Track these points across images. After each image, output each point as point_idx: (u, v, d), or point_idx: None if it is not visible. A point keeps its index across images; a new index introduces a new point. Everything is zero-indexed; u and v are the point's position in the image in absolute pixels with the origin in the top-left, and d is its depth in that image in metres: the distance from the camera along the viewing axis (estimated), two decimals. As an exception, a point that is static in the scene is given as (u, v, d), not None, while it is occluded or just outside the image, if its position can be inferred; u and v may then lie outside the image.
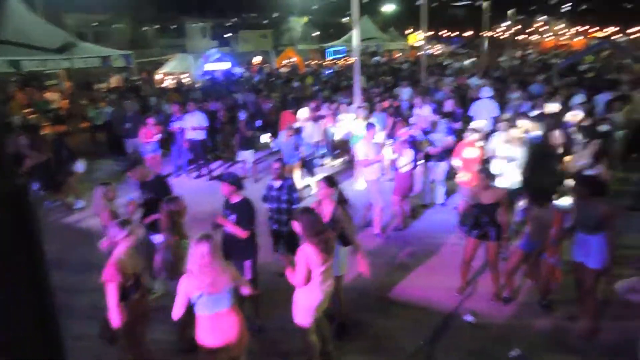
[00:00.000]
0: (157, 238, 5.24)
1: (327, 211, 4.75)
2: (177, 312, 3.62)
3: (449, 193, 8.53)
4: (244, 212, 4.89)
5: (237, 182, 4.99)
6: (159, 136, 10.32)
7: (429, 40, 33.70)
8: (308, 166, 9.14)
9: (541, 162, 8.67)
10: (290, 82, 20.05)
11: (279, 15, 46.49)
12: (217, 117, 12.43)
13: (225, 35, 50.48)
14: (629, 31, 59.62)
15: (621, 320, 4.90)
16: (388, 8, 40.78)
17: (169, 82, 23.32)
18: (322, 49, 35.15)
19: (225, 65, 27.20)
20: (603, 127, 8.10)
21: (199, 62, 27.44)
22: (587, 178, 5.00)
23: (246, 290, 3.83)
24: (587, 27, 60.78)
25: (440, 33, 58.76)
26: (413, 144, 7.60)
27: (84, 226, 8.17)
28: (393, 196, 7.49)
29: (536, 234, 5.05)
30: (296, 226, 4.03)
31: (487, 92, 11.14)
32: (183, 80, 23.05)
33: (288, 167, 7.91)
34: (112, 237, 4.05)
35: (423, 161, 8.19)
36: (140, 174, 5.80)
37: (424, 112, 10.18)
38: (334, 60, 30.00)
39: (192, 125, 10.43)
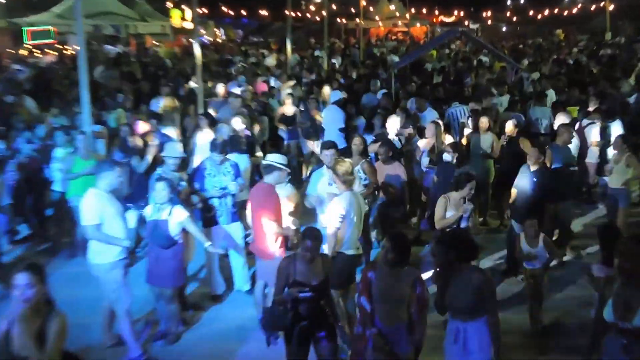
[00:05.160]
0: None
1: None
2: None
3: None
4: None
5: None
6: None
7: (203, 20, 25.42)
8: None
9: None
10: None
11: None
12: None
13: None
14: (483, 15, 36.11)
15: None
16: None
17: None
18: (15, 28, 22.62)
19: None
20: (447, 157, 6.63)
21: None
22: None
23: None
24: (425, 9, 38.99)
25: (223, 10, 42.17)
26: None
27: None
28: None
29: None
30: None
31: (336, 95, 9.23)
32: None
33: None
34: None
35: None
36: None
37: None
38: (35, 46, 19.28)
39: None
